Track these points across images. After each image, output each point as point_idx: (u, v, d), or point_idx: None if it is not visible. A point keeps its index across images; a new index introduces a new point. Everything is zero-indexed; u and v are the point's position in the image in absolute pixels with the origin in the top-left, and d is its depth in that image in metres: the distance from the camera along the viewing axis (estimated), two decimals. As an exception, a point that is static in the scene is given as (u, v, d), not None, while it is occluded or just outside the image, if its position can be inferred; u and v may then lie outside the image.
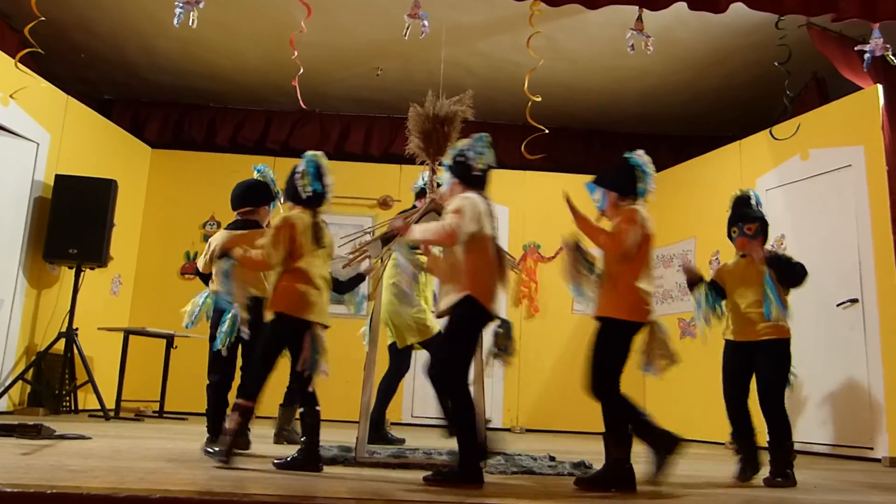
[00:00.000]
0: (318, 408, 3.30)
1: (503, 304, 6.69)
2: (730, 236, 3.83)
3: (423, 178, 4.81)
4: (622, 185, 3.25)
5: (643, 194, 3.27)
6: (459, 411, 2.97)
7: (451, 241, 3.02)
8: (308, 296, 3.26)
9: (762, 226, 3.73)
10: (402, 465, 3.51)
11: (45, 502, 2.14)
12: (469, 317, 3.04)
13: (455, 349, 3.04)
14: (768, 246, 3.94)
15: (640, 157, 3.33)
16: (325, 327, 3.36)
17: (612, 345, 3.07)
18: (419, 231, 3.15)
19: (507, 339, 3.31)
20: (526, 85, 4.53)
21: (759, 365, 3.59)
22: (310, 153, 3.51)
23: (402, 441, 4.69)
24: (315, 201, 3.42)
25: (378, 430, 4.59)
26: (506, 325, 3.31)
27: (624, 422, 3.03)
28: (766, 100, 7.03)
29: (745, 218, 3.74)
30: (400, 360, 4.83)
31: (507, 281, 3.22)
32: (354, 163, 7.82)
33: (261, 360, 3.28)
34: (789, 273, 3.58)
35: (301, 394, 3.30)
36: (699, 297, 3.78)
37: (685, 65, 6.90)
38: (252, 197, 4.18)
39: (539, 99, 4.64)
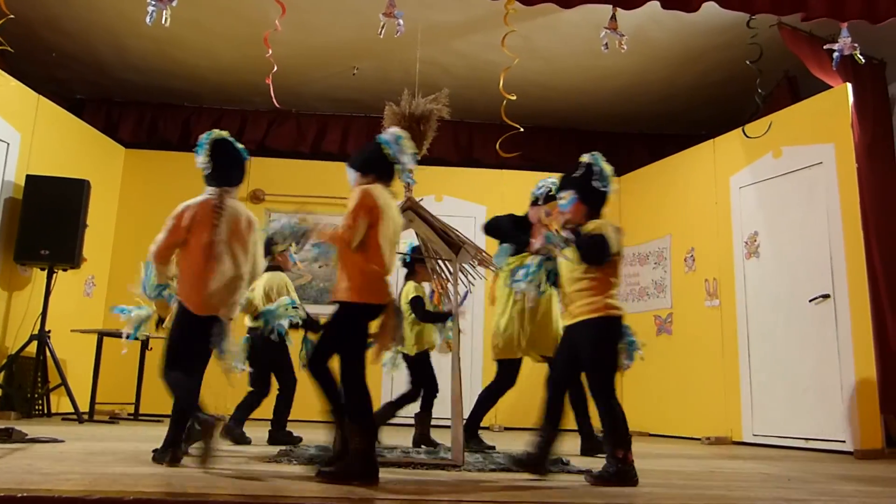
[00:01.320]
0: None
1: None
2: None
3: (541, 188, 4.59)
4: (362, 164, 3.21)
5: (388, 172, 3.19)
6: (177, 398, 3.15)
7: (160, 259, 3.33)
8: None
9: (582, 194, 3.31)
10: (380, 464, 3.48)
11: (16, 506, 2.11)
12: (176, 318, 3.25)
13: (166, 344, 3.24)
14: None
15: (390, 134, 3.23)
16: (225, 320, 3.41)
17: (342, 327, 3.01)
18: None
19: (222, 340, 3.26)
20: (501, 84, 4.54)
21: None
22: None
23: (492, 448, 4.50)
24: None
25: (472, 435, 4.49)
26: (220, 325, 3.27)
27: (364, 409, 2.94)
28: (738, 98, 7.11)
29: (563, 185, 3.43)
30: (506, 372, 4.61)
31: (216, 279, 3.24)
32: (331, 162, 7.78)
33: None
34: (584, 251, 3.15)
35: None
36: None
37: (659, 64, 6.97)
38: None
39: (514, 97, 4.65)
